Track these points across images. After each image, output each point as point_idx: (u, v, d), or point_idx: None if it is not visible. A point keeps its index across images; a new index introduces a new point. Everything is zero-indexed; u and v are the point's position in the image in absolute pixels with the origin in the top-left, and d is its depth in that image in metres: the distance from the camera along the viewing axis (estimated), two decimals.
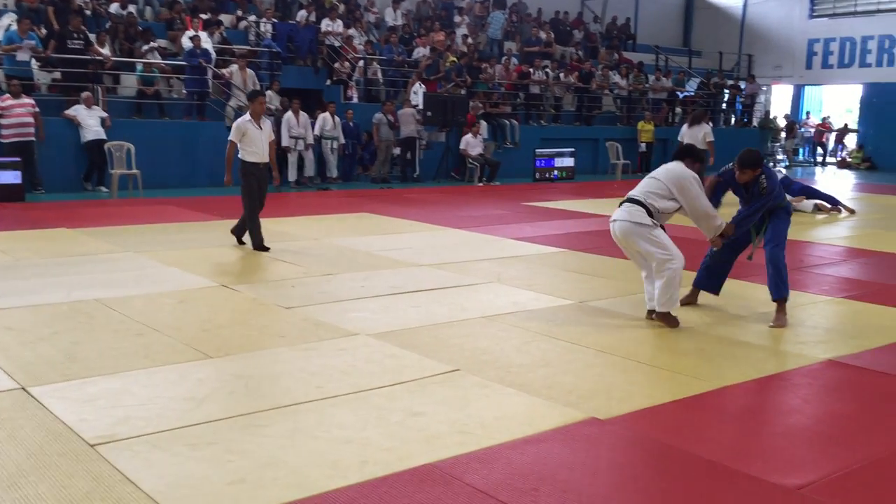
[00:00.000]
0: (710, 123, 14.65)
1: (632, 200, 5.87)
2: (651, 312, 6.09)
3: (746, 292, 7.03)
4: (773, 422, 4.32)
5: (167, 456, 3.56)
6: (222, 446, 3.67)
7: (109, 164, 13.23)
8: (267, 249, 8.55)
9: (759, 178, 5.93)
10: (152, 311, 6.04)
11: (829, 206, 13.17)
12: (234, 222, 8.93)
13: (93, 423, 3.87)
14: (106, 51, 14.69)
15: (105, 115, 13.75)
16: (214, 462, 3.51)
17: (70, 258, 7.91)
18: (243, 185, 8.64)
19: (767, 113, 27.38)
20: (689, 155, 6.08)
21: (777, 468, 3.63)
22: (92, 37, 14.51)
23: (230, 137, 8.58)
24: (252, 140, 8.53)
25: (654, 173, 6.08)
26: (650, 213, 5.77)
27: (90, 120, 13.48)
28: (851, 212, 13.22)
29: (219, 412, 4.07)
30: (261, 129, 8.61)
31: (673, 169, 5.99)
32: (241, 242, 8.81)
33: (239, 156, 8.59)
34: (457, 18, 22.26)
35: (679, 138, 14.08)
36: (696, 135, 13.40)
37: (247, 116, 8.63)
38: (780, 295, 6.04)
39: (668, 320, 5.85)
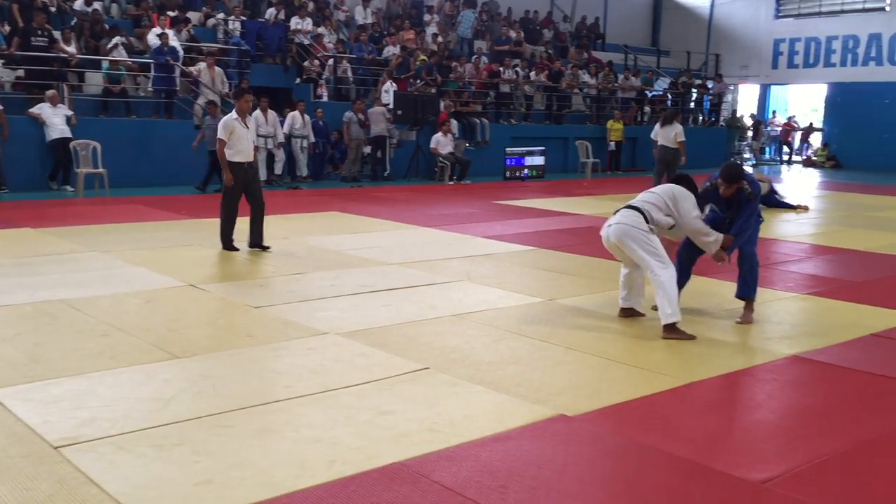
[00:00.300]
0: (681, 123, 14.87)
1: (629, 207, 5.88)
2: (624, 311, 6.13)
3: (713, 289, 7.10)
4: (739, 417, 4.37)
5: (132, 457, 3.52)
6: (189, 447, 3.63)
7: (75, 163, 13.05)
8: (236, 250, 8.47)
9: (742, 186, 5.98)
10: (118, 311, 5.96)
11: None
12: (203, 221, 8.83)
13: (56, 425, 3.82)
14: (71, 48, 14.50)
15: (70, 113, 13.56)
16: (181, 463, 3.48)
17: (34, 258, 7.79)
18: (225, 186, 8.47)
19: (734, 112, 27.70)
20: (682, 182, 6.10)
21: (743, 462, 3.67)
22: (57, 34, 14.31)
23: (219, 136, 8.36)
24: (239, 139, 8.35)
25: (651, 189, 6.13)
26: (647, 221, 5.76)
27: (55, 118, 13.30)
28: (798, 209, 13.51)
29: (185, 413, 4.03)
30: (247, 127, 8.47)
31: (669, 186, 6.06)
32: (262, 246, 8.53)
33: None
34: (427, 17, 22.25)
35: (652, 137, 14.24)
36: (668, 134, 13.61)
37: (233, 115, 8.41)
38: (749, 293, 6.10)
39: (676, 333, 5.58)
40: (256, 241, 8.57)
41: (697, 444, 3.89)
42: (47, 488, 3.21)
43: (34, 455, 3.51)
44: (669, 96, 24.54)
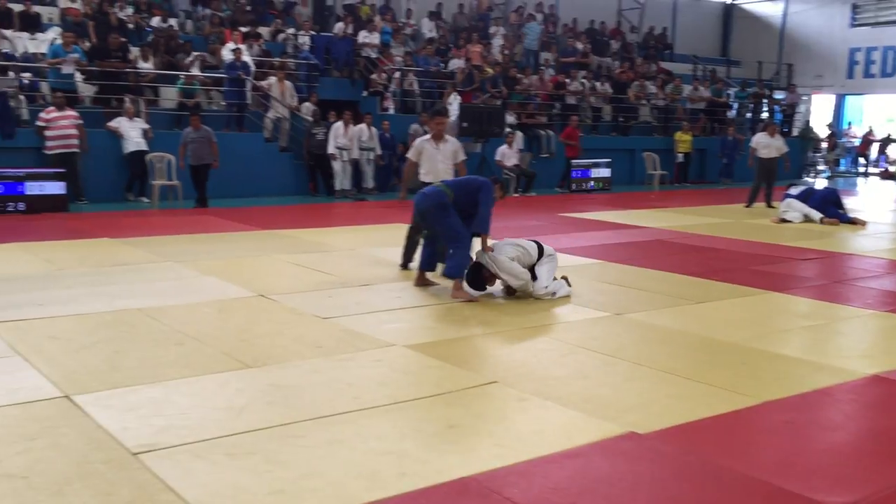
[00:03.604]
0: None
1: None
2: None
3: (788, 306, 6.92)
4: (816, 438, 4.24)
5: (207, 465, 3.59)
6: (261, 456, 3.69)
7: (150, 175, 13.45)
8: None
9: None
10: (192, 320, 6.10)
11: (838, 220, 12.75)
12: (273, 232, 8.91)
13: (135, 432, 3.92)
14: (149, 64, 14.96)
15: (147, 126, 13.98)
16: (254, 472, 3.54)
17: (112, 268, 8.03)
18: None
19: (808, 123, 27.05)
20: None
21: (821, 486, 3.56)
22: (135, 51, 14.78)
23: (408, 155, 8.48)
24: (428, 159, 8.24)
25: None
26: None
27: (132, 131, 13.73)
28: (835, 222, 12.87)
29: (257, 422, 4.10)
30: (438, 148, 8.25)
31: None
32: (406, 267, 8.38)
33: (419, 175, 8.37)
34: (493, 29, 22.31)
35: (752, 146, 14.92)
36: (773, 144, 14.61)
37: (426, 136, 8.43)
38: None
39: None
40: (407, 257, 8.53)
41: (772, 465, 3.79)
42: (127, 494, 3.30)
43: (114, 461, 3.60)
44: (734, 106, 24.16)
